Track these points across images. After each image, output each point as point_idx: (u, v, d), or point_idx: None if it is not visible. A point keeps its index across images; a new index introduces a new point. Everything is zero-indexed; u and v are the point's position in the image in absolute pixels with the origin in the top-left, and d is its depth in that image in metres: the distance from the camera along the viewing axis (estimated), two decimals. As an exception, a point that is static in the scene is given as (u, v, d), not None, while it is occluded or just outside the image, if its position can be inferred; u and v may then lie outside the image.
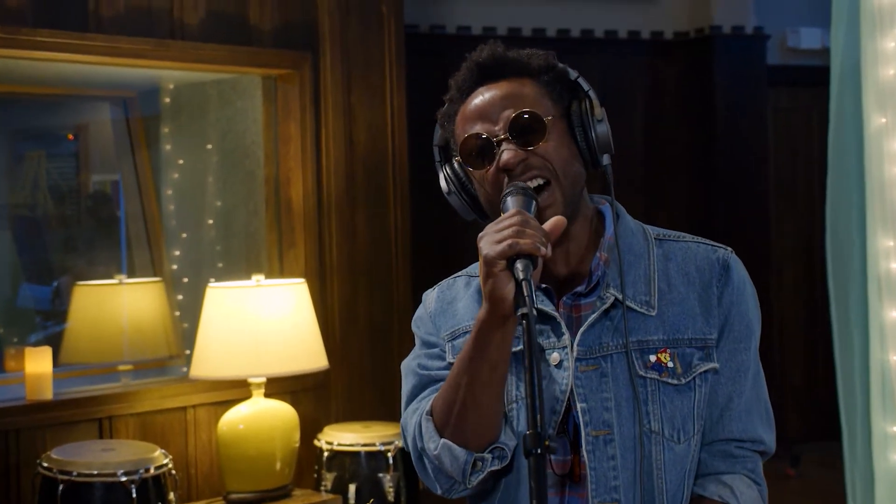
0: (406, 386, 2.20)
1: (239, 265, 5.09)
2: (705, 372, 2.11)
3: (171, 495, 4.03)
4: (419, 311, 2.28)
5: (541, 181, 2.06)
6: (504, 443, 2.07)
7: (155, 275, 5.22)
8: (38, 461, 3.97)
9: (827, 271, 3.94)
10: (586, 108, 2.13)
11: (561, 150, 2.09)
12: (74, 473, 3.86)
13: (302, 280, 4.51)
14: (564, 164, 2.09)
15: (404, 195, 5.18)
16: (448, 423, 2.05)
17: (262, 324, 4.28)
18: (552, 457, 2.06)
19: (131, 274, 5.18)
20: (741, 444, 2.13)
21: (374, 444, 4.55)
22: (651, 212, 6.81)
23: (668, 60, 7.16)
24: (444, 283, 2.28)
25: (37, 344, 4.67)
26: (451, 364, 2.13)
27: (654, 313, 2.10)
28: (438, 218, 5.97)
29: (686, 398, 2.09)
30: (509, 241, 1.89)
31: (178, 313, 5.21)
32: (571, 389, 2.06)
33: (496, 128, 2.08)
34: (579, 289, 2.12)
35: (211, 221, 5.28)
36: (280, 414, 4.40)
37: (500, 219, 1.95)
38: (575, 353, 2.07)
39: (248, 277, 4.42)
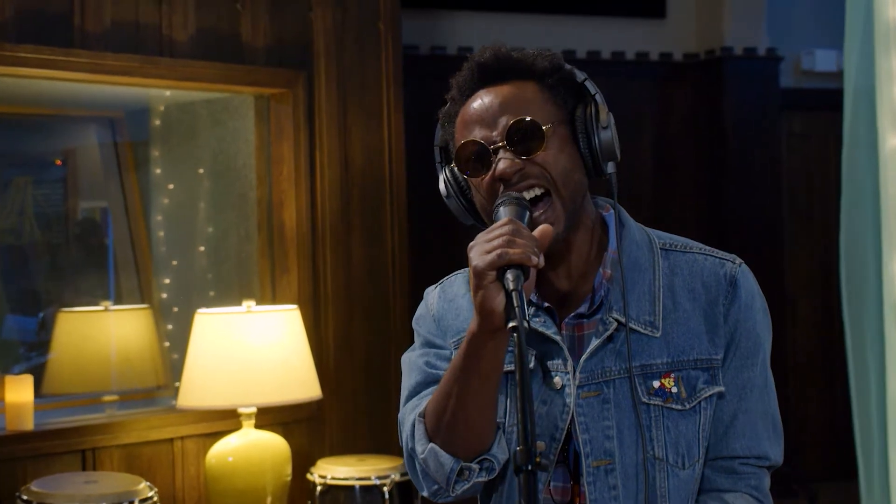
0: (409, 380, 2.20)
1: (231, 294, 5.08)
2: (711, 396, 2.10)
3: (157, 530, 4.00)
4: (421, 310, 2.28)
5: (538, 191, 2.06)
6: (494, 455, 2.06)
7: (143, 303, 5.20)
8: (17, 494, 3.94)
9: (842, 300, 3.92)
10: (591, 113, 2.12)
11: (561, 159, 2.08)
12: (55, 506, 3.83)
13: (294, 306, 4.50)
14: (564, 173, 2.07)
15: (402, 219, 5.17)
16: (438, 430, 2.05)
17: (253, 351, 4.27)
18: (552, 483, 2.08)
19: (118, 302, 5.16)
20: (745, 460, 2.12)
21: (369, 478, 4.51)
22: (660, 239, 6.79)
23: (678, 83, 7.16)
24: (446, 280, 2.29)
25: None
26: None
27: (658, 334, 2.09)
28: (438, 243, 5.98)
29: (691, 422, 2.09)
30: (499, 251, 1.88)
31: (167, 344, 5.19)
32: (573, 417, 2.06)
33: (493, 134, 2.07)
34: (581, 310, 2.11)
35: (202, 248, 5.27)
36: (271, 446, 4.38)
37: (490, 228, 1.94)
38: (577, 381, 2.06)
39: (239, 304, 4.40)
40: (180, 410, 4.41)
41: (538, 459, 1.69)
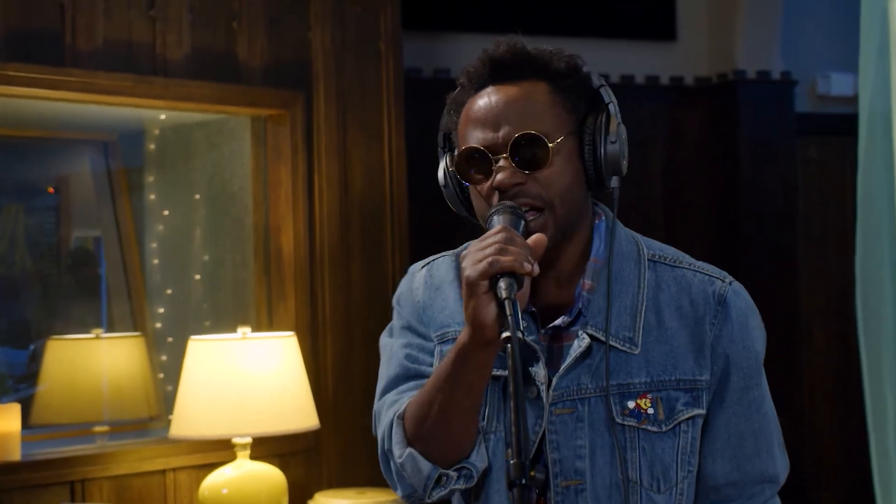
0: (388, 370, 2.20)
1: (228, 323, 5.07)
2: (691, 418, 2.09)
3: (147, 563, 3.99)
4: (404, 288, 2.27)
5: (531, 209, 2.06)
6: (472, 463, 2.07)
7: (136, 331, 5.20)
8: (3, 526, 3.94)
9: (858, 332, 3.91)
10: (602, 123, 2.10)
11: (564, 176, 2.08)
12: (42, 538, 3.83)
13: (291, 333, 4.50)
14: (564, 191, 2.08)
15: (403, 244, 5.17)
16: (418, 434, 2.06)
17: (248, 379, 4.26)
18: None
19: (111, 331, 5.16)
20: (760, 485, 2.12)
21: (368, 512, 4.51)
22: (671, 268, 6.78)
23: (689, 107, 7.16)
24: (434, 262, 2.28)
25: (7, 408, 4.66)
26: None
27: (637, 352, 2.09)
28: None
29: (668, 445, 2.08)
30: (490, 259, 1.89)
31: (161, 375, 5.19)
32: (544, 433, 2.07)
33: (496, 138, 2.07)
34: (559, 322, 2.11)
35: (198, 277, 5.27)
36: (267, 478, 4.36)
37: (483, 236, 1.94)
38: (550, 398, 2.07)
39: (234, 331, 4.40)
40: (172, 440, 4.41)
41: (532, 473, 1.70)
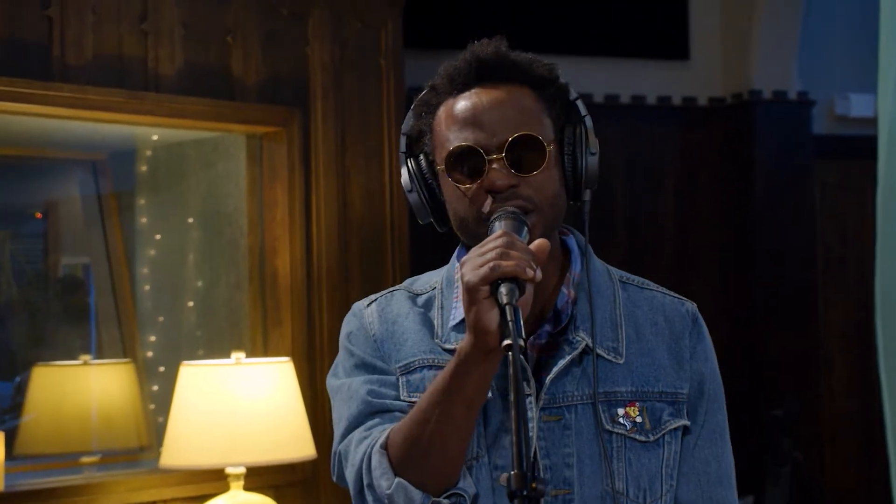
0: (349, 409, 2.16)
1: (221, 350, 5.07)
2: (676, 429, 2.13)
3: None
4: (353, 326, 2.24)
5: (522, 212, 2.07)
6: (463, 489, 2.06)
7: (125, 357, 5.20)
8: (-15, 558, 3.94)
9: (878, 363, 3.90)
10: (581, 134, 2.15)
11: (553, 181, 2.12)
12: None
13: (287, 358, 4.50)
14: (553, 196, 2.12)
15: (404, 268, 5.18)
16: (408, 461, 2.03)
17: (243, 407, 4.26)
18: None
19: (100, 357, 5.16)
20: None
21: (367, 546, 4.49)
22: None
23: (702, 129, 7.17)
24: (380, 297, 2.26)
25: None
26: (406, 401, 2.13)
27: (621, 361, 2.13)
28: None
29: (654, 456, 2.12)
30: (492, 264, 1.89)
31: (152, 406, 5.18)
32: (534, 441, 2.07)
33: (489, 141, 2.09)
34: (548, 328, 2.13)
35: (191, 304, 5.27)
36: (262, 510, 4.36)
37: (483, 241, 1.95)
38: (540, 403, 2.08)
39: (228, 357, 4.40)
40: (163, 470, 4.40)
41: (534, 485, 1.69)
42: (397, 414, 2.11)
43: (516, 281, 1.89)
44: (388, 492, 2.04)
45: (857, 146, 7.35)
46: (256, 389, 4.30)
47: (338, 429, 2.17)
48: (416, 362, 2.16)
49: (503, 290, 1.87)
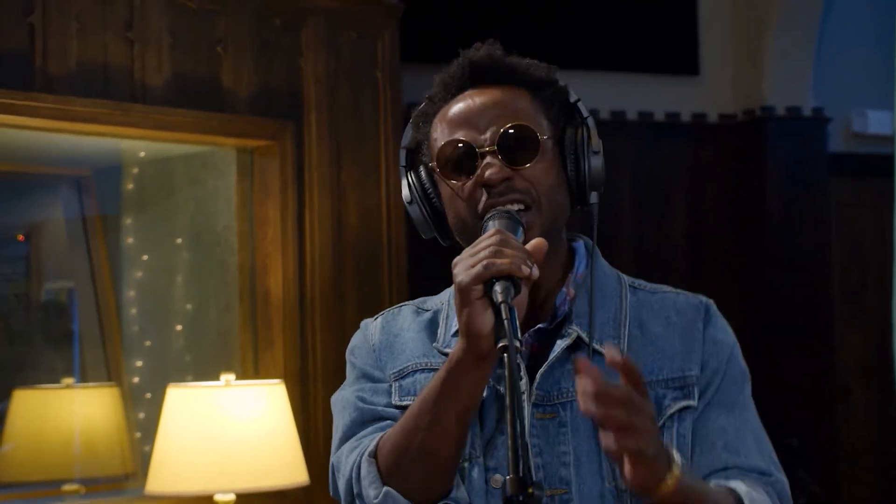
0: (342, 420, 2.20)
1: (211, 376, 5.07)
2: (680, 411, 2.12)
3: None
4: (357, 340, 2.29)
5: (520, 206, 2.09)
6: (455, 499, 2.06)
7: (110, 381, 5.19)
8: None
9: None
10: (583, 136, 2.17)
11: (549, 176, 2.14)
12: None
13: (279, 381, 4.49)
14: (550, 191, 2.13)
15: (401, 288, 5.18)
16: (397, 470, 2.04)
17: (232, 430, 4.26)
18: None
19: (83, 380, 5.15)
20: (746, 472, 2.11)
21: (362, 577, 4.47)
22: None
23: (712, 146, 7.17)
24: (388, 312, 2.30)
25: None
26: (397, 406, 2.15)
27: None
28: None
29: None
30: (485, 262, 1.90)
31: (138, 434, 5.17)
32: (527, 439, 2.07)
33: (482, 137, 2.12)
34: (542, 325, 2.14)
35: (179, 328, 5.26)
36: (252, 538, 4.36)
37: (476, 241, 1.96)
38: (533, 398, 2.08)
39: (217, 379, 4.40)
40: (149, 497, 4.39)
41: (530, 490, 1.69)
42: (389, 422, 2.12)
43: (511, 279, 1.89)
44: (376, 501, 2.05)
45: (874, 164, 7.34)
46: (247, 412, 4.30)
47: (334, 440, 2.22)
48: (410, 367, 2.18)
49: (498, 288, 1.88)
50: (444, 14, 6.53)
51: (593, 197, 2.17)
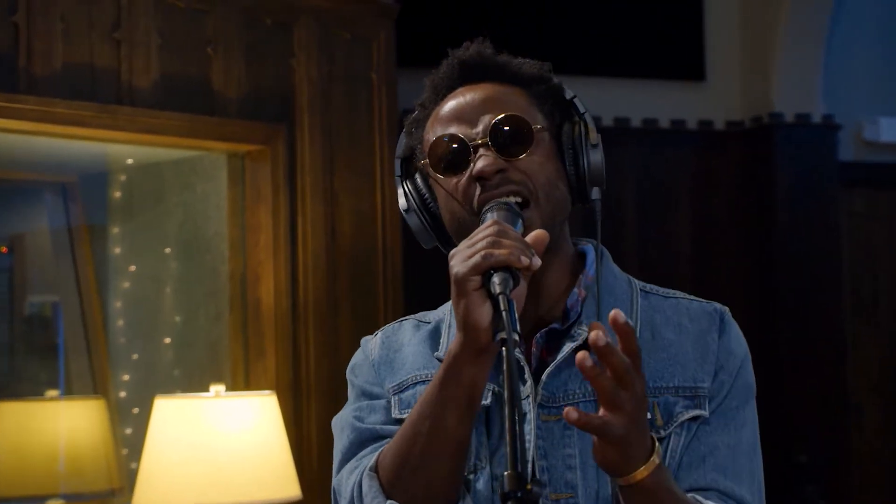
0: (341, 442, 2.19)
1: (201, 390, 5.06)
2: (690, 420, 2.11)
3: None
4: (358, 358, 2.28)
5: (517, 199, 2.09)
6: None
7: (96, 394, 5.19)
8: None
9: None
10: (581, 131, 2.17)
11: (546, 168, 2.13)
12: None
13: (270, 392, 4.49)
14: (548, 184, 2.12)
15: (397, 297, 5.18)
16: (398, 481, 2.03)
17: (222, 443, 4.25)
18: None
19: (68, 393, 5.15)
20: (724, 497, 2.10)
21: None
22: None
23: (719, 154, 7.17)
24: (388, 327, 2.30)
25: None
26: (397, 420, 2.13)
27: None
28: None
29: (664, 450, 2.09)
30: (483, 253, 1.89)
31: (125, 451, 5.17)
32: (532, 441, 2.06)
33: (474, 131, 2.12)
34: (555, 325, 2.13)
35: (168, 340, 5.26)
36: (242, 555, 4.35)
37: (473, 233, 1.96)
38: (538, 398, 2.07)
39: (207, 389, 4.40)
40: (136, 512, 4.38)
41: (529, 486, 1.67)
42: (389, 440, 2.10)
43: (510, 270, 1.88)
44: None
45: (886, 173, 7.35)
46: (237, 425, 4.29)
47: (335, 463, 2.20)
48: (410, 379, 2.17)
49: (496, 279, 1.87)
50: (442, 18, 6.54)
51: (595, 193, 2.17)
